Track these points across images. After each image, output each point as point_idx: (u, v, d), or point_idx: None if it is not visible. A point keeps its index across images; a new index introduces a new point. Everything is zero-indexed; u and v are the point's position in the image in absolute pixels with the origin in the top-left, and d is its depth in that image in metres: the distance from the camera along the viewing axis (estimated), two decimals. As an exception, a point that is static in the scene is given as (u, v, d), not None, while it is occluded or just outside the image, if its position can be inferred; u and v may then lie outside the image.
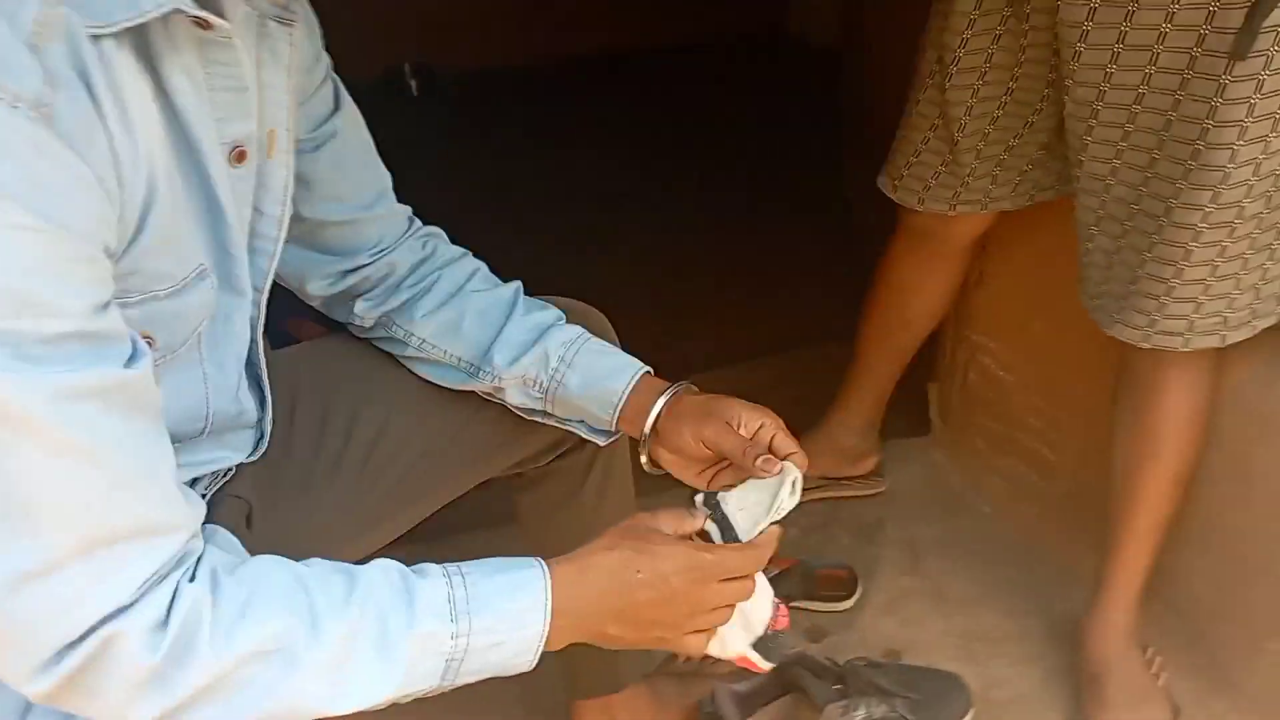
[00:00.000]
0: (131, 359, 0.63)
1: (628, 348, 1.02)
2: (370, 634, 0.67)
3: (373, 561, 0.72)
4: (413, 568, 0.72)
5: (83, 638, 0.60)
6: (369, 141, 0.99)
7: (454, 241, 1.07)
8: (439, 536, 1.30)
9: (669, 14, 3.51)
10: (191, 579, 0.64)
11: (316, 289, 1.01)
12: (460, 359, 0.99)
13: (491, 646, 0.71)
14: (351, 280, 1.00)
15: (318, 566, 0.70)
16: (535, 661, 0.74)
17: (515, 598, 0.72)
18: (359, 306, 1.01)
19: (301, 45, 0.84)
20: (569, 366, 0.96)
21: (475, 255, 1.05)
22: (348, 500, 0.99)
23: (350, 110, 0.96)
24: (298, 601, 0.66)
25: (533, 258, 1.52)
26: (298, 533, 0.92)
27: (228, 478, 0.92)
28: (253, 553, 0.71)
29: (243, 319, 0.83)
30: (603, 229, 2.63)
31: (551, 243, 2.50)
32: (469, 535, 1.47)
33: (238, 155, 0.76)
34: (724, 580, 0.80)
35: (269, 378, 0.91)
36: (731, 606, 0.81)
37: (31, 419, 0.57)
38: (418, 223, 1.05)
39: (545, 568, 0.74)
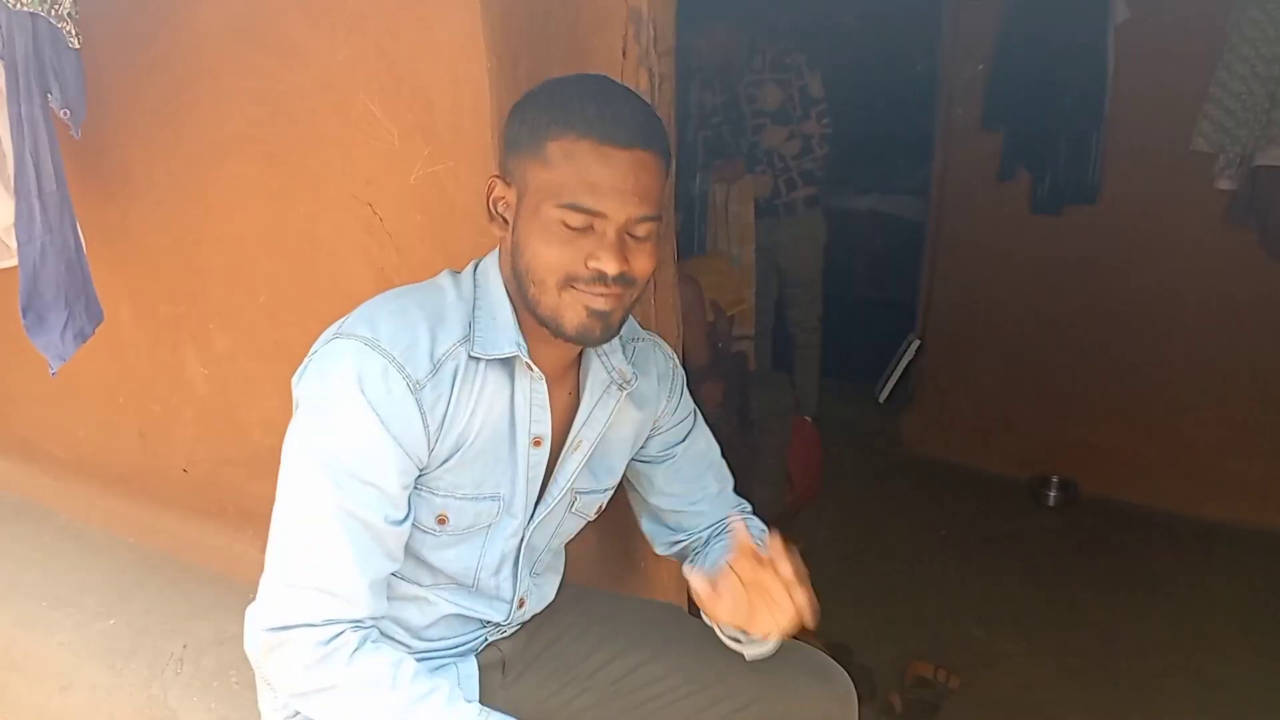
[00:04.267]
0: (397, 523, 1.14)
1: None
2: (420, 710, 1.11)
3: (446, 684, 1.15)
4: (470, 700, 1.16)
5: (286, 627, 1.08)
6: (710, 463, 1.45)
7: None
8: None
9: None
10: (355, 632, 1.11)
11: (659, 549, 1.48)
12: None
13: None
14: (679, 549, 1.46)
15: (421, 669, 1.15)
16: None
17: None
18: (684, 568, 1.41)
19: (642, 402, 1.35)
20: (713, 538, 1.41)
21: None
22: (586, 699, 1.40)
23: (695, 446, 1.43)
24: (397, 674, 1.11)
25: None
26: (533, 699, 1.38)
27: (504, 634, 1.39)
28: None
29: (513, 530, 1.29)
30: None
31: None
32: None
33: (535, 442, 1.24)
34: None
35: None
36: None
37: (327, 513, 1.09)
38: (736, 513, 1.44)
39: None
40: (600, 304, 1.13)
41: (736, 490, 1.48)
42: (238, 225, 1.91)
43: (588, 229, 1.09)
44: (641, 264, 1.13)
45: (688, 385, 1.45)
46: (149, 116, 1.95)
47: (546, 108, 1.10)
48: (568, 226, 1.09)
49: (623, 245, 1.11)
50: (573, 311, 1.13)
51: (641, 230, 1.12)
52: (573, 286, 1.12)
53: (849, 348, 4.16)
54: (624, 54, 1.56)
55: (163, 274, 2.07)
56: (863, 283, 4.43)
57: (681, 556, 1.47)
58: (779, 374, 3.50)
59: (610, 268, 1.10)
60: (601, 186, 1.07)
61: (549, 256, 1.11)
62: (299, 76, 1.68)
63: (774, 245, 3.67)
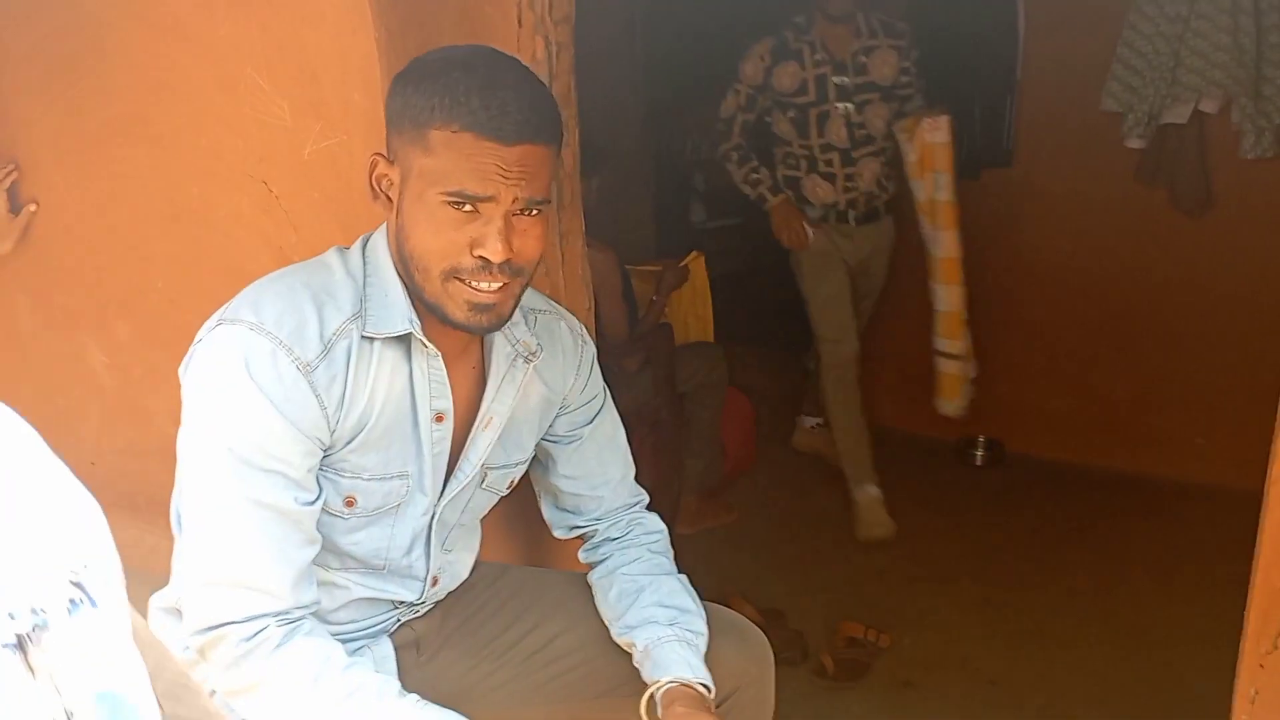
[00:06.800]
0: (309, 504, 1.11)
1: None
2: (347, 708, 1.08)
3: (375, 680, 1.12)
4: (403, 692, 1.12)
5: (211, 628, 1.08)
6: (616, 447, 1.42)
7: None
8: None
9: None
10: (280, 626, 1.09)
11: (558, 533, 1.46)
12: (607, 614, 1.37)
13: None
14: (575, 535, 1.45)
15: (356, 662, 1.13)
16: None
17: None
18: (580, 553, 1.45)
19: (549, 378, 1.32)
20: (646, 656, 1.28)
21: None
22: (503, 673, 1.39)
23: (602, 428, 1.40)
24: (322, 670, 1.09)
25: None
26: (449, 675, 1.36)
27: (418, 614, 1.35)
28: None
29: (424, 509, 1.25)
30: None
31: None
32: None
33: (437, 418, 1.20)
34: None
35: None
36: None
37: (235, 507, 1.06)
38: (638, 507, 1.45)
39: None
40: (484, 299, 1.11)
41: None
42: (130, 209, 1.85)
43: (473, 215, 1.08)
44: (529, 249, 1.11)
45: (605, 358, 1.44)
46: (34, 99, 1.88)
47: (430, 91, 1.06)
48: (451, 212, 1.07)
49: (508, 231, 1.09)
50: (455, 304, 1.12)
51: (528, 215, 1.10)
52: (457, 278, 1.10)
53: (774, 317, 4.16)
54: (519, 22, 1.53)
55: (58, 263, 2.00)
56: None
57: (579, 541, 1.47)
58: (709, 345, 3.50)
59: (495, 255, 1.08)
60: (485, 173, 1.05)
61: (433, 245, 1.09)
62: (183, 53, 1.63)
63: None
